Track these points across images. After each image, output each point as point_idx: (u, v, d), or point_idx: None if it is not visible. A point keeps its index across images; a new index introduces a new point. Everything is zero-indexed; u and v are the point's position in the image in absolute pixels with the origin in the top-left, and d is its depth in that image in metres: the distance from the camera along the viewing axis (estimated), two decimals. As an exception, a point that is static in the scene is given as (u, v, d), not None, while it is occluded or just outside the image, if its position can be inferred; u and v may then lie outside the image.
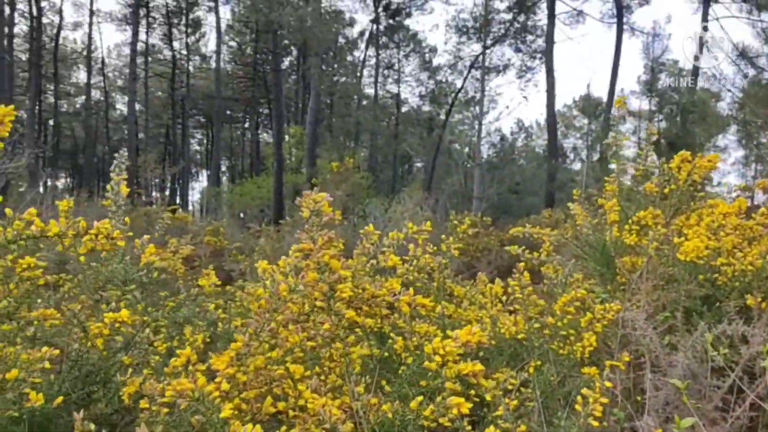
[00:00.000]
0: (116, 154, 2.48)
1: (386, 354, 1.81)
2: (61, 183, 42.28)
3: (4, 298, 1.97)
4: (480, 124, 23.42)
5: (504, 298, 3.07)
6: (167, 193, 36.55)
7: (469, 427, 2.02)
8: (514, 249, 3.59)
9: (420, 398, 1.37)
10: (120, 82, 39.19)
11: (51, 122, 37.70)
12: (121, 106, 40.38)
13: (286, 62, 32.97)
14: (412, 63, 32.71)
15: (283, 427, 1.34)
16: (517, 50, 26.96)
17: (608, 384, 1.88)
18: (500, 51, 27.05)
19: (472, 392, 2.27)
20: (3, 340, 1.86)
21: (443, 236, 3.53)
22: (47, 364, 1.65)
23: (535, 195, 28.16)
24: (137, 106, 33.31)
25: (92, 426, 1.47)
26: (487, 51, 25.15)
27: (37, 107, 29.78)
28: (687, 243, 2.80)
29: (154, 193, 40.96)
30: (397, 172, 33.44)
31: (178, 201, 35.92)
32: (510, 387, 2.31)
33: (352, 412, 1.46)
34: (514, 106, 60.50)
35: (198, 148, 44.96)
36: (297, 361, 1.66)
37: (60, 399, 1.70)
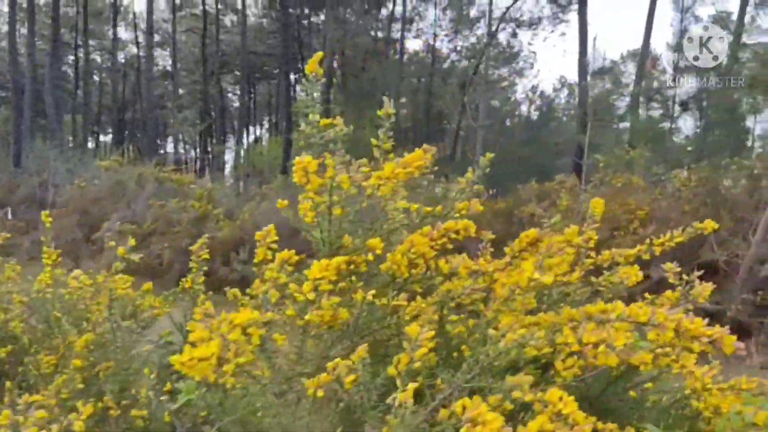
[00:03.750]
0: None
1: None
2: (106, 138, 42.67)
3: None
4: (474, 75, 21.17)
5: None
6: (195, 153, 35.87)
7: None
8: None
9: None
10: (157, 37, 38.73)
11: (97, 78, 37.80)
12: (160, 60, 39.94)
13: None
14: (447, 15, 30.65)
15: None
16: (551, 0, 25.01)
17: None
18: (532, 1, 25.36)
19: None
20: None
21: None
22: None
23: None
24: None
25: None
26: (518, 2, 23.17)
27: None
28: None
29: (191, 153, 40.60)
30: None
31: (210, 160, 35.34)
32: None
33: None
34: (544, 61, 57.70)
35: (237, 104, 44.27)
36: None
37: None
